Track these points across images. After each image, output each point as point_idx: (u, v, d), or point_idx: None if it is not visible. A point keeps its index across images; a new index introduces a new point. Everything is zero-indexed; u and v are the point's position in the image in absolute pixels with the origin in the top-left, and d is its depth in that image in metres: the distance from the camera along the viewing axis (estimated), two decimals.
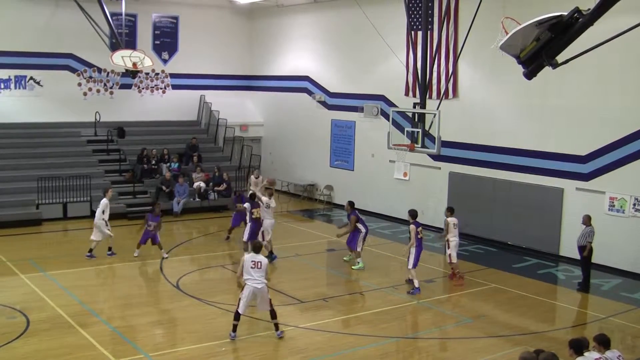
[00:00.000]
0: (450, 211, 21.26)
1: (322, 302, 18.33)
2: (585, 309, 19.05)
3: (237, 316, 15.40)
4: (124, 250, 22.91)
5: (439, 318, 17.76)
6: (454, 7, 25.99)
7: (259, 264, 15.30)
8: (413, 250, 19.65)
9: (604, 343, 11.22)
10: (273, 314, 15.66)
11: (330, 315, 17.53)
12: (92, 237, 22.22)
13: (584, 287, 20.23)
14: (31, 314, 16.54)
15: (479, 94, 26.09)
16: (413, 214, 19.99)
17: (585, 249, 20.00)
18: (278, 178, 35.38)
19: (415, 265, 19.65)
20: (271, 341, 15.51)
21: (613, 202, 21.97)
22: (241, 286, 15.58)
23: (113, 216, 27.32)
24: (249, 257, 15.43)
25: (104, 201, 22.47)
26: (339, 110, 32.58)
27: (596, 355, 10.91)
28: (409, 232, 19.87)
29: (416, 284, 19.56)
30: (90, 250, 22.17)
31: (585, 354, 10.84)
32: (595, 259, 20.61)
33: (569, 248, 22.63)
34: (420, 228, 19.80)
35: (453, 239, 20.80)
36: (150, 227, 22.38)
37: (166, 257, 22.38)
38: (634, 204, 21.46)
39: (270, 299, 15.62)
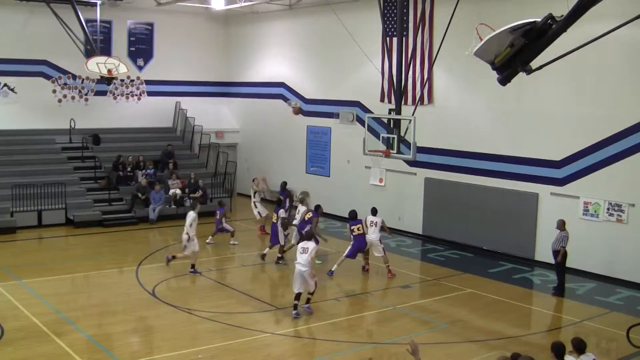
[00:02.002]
0: (372, 212, 22.35)
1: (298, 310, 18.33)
2: (560, 313, 19.16)
3: (295, 296, 17.71)
4: (99, 258, 22.80)
5: (415, 323, 17.80)
6: (429, 13, 26.09)
7: (306, 249, 17.61)
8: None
9: (577, 348, 11.29)
10: (311, 292, 17.95)
11: (306, 321, 17.51)
12: (186, 253, 21.70)
13: (559, 291, 20.35)
14: (6, 323, 16.40)
15: (454, 100, 26.22)
16: (353, 215, 21.87)
17: (560, 254, 20.13)
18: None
19: (348, 256, 21.58)
20: (247, 348, 15.49)
21: (587, 207, 22.14)
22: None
23: (88, 224, 27.35)
24: (300, 244, 18.05)
25: (192, 214, 21.89)
26: (314, 116, 32.62)
27: (572, 359, 10.99)
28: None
29: (334, 267, 21.52)
30: (193, 266, 21.64)
31: (565, 357, 10.91)
32: (570, 263, 20.74)
33: (544, 253, 22.76)
34: (357, 226, 21.57)
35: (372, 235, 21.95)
36: (218, 216, 25.23)
37: (211, 243, 25.51)
38: (608, 209, 21.64)
39: (316, 282, 17.98)
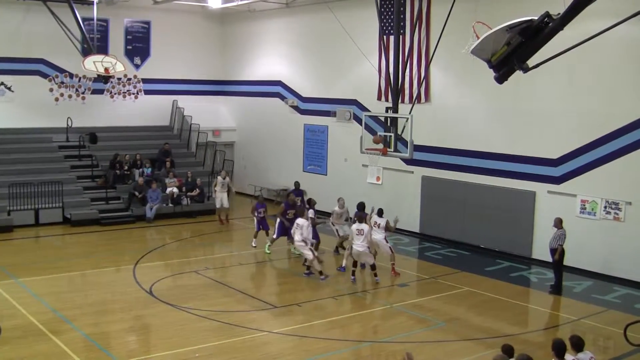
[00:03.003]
0: (378, 213, 22.18)
1: (295, 307, 18.31)
2: (557, 311, 19.16)
3: (353, 264, 20.88)
4: (96, 256, 22.79)
5: (412, 321, 17.80)
6: (426, 11, 26.11)
7: (362, 231, 20.36)
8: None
9: (575, 346, 11.30)
10: (373, 267, 20.86)
11: (303, 320, 17.51)
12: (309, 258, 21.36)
13: (556, 289, 20.37)
14: (3, 321, 16.30)
15: (451, 98, 26.22)
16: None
17: (557, 252, 20.14)
18: (251, 183, 35.38)
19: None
20: (245, 346, 15.49)
21: (584, 205, 22.15)
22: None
23: (85, 222, 27.33)
24: (355, 226, 20.67)
25: (304, 222, 21.55)
26: (311, 114, 32.63)
27: (570, 357, 10.99)
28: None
29: (343, 263, 22.07)
30: (321, 273, 21.13)
31: (566, 356, 10.92)
32: (567, 261, 20.76)
33: (541, 251, 22.77)
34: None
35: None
36: (261, 214, 24.86)
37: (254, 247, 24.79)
38: (605, 207, 21.65)
39: (375, 255, 21.22)
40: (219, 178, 29.66)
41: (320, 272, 20.85)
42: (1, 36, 31.28)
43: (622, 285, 20.99)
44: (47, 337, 15.59)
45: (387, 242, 21.72)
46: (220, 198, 29.41)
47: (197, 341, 15.59)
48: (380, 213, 21.92)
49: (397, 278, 21.33)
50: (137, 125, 35.17)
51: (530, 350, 12.01)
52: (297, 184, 27.47)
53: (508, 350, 11.40)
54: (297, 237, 21.31)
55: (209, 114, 36.74)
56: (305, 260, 21.31)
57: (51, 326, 16.25)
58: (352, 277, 20.61)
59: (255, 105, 36.19)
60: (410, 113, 21.30)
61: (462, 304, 19.20)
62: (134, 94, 35.40)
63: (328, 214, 24.54)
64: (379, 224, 21.59)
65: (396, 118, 21.82)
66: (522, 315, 18.76)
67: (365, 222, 20.87)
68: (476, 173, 25.33)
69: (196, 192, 30.85)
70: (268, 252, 23.97)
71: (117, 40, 34.48)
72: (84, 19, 29.64)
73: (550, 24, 12.38)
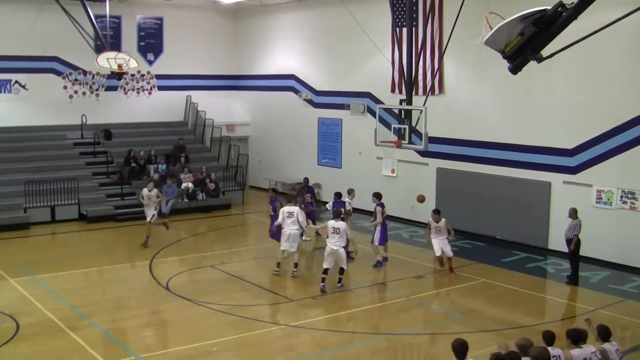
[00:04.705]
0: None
1: (311, 300, 18.34)
2: (574, 302, 19.13)
3: (324, 271, 19.08)
4: (113, 252, 22.91)
5: (429, 314, 17.82)
6: (439, 3, 26.00)
7: (338, 229, 18.84)
8: (379, 228, 21.75)
9: (602, 336, 11.30)
10: (341, 271, 19.26)
11: (320, 313, 17.57)
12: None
13: (573, 280, 20.31)
14: (20, 318, 16.48)
15: (464, 90, 26.15)
16: (378, 195, 22.12)
17: (572, 242, 20.07)
18: (265, 177, 35.39)
19: (382, 242, 21.80)
20: (262, 340, 15.53)
21: (600, 195, 22.06)
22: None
23: (101, 219, 27.45)
24: (330, 223, 19.09)
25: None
26: (325, 108, 32.61)
27: (592, 349, 10.95)
28: (375, 212, 21.81)
29: (379, 257, 21.76)
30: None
31: (583, 346, 10.89)
32: (583, 251, 20.68)
33: (557, 241, 22.68)
34: (385, 209, 21.82)
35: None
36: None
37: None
38: (621, 197, 21.56)
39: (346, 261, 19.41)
40: (145, 191, 24.92)
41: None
42: (15, 35, 31.36)
43: (639, 275, 20.91)
44: (65, 333, 15.68)
45: (448, 243, 21.04)
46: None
47: (214, 335, 15.64)
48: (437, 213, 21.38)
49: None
50: (151, 121, 35.22)
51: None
52: (306, 180, 26.77)
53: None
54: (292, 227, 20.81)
55: (222, 109, 36.74)
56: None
57: (69, 322, 16.33)
58: (322, 284, 19.02)
59: (269, 99, 36.21)
60: (424, 105, 21.30)
61: (479, 295, 19.17)
62: (147, 90, 35.47)
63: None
64: (439, 228, 20.94)
65: (410, 110, 21.80)
66: (538, 307, 18.73)
67: (342, 219, 19.50)
68: (491, 164, 25.27)
69: (211, 187, 30.86)
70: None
71: (129, 36, 34.54)
72: (96, 16, 29.66)
73: (564, 14, 12.35)
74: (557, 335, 11.25)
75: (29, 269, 21.09)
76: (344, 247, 19.24)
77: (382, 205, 21.78)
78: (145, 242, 23.99)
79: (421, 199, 23.11)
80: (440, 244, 20.68)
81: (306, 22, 33.51)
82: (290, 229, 20.43)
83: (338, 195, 22.71)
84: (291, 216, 20.63)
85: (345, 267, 19.23)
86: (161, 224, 25.03)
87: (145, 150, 32.01)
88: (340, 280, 19.35)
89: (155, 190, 24.69)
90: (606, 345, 11.16)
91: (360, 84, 30.39)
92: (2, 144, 30.39)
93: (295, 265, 20.64)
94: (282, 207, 21.37)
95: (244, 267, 22.12)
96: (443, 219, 20.77)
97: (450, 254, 20.78)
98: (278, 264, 20.96)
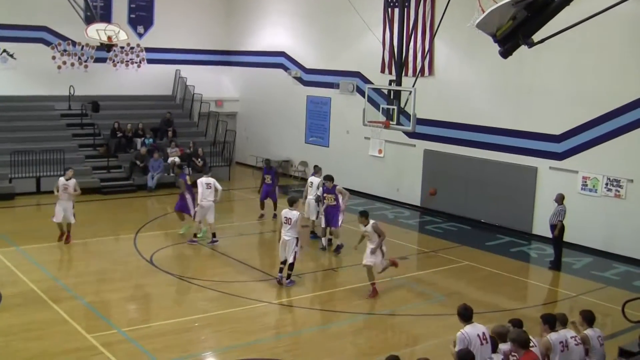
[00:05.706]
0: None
1: (295, 278, 18.32)
2: (556, 287, 19.23)
3: (282, 262, 17.70)
4: (97, 225, 22.85)
5: (411, 295, 17.87)
6: None
7: (289, 220, 17.40)
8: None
9: (588, 320, 11.39)
10: (291, 266, 17.60)
11: (303, 291, 17.59)
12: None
13: (556, 265, 20.42)
14: (3, 288, 16.43)
15: (454, 72, 26.13)
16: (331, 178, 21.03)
17: (557, 228, 20.14)
18: (252, 154, 35.35)
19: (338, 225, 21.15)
20: (244, 317, 15.55)
21: (586, 182, 22.15)
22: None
23: (86, 191, 27.28)
24: (284, 212, 17.68)
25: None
26: (314, 86, 32.52)
27: (571, 333, 11.02)
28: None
29: (338, 241, 21.16)
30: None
31: (560, 331, 10.96)
32: (567, 237, 20.78)
33: (541, 227, 22.78)
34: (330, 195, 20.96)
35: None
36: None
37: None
38: (606, 184, 21.65)
39: (296, 253, 17.53)
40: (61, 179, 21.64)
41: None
42: (4, 3, 31.08)
43: (622, 263, 21.05)
44: (48, 305, 15.65)
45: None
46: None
47: (196, 311, 15.68)
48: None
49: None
50: (139, 94, 35.07)
51: (529, 325, 12.00)
52: (267, 161, 26.02)
53: (517, 323, 11.43)
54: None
55: (211, 84, 36.63)
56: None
57: (52, 294, 16.31)
58: (279, 275, 17.85)
59: (259, 76, 36.08)
60: (413, 86, 21.27)
61: (462, 278, 19.27)
62: (136, 62, 35.24)
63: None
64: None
65: (399, 91, 21.76)
66: (521, 291, 18.83)
67: (296, 208, 17.89)
68: (478, 148, 25.30)
69: (199, 162, 30.74)
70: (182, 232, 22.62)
71: (120, 8, 34.25)
72: None
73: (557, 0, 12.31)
74: (538, 321, 11.34)
75: (12, 239, 21.04)
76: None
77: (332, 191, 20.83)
78: (61, 237, 21.20)
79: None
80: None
81: None
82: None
83: (329, 178, 21.12)
84: (209, 187, 21.10)
85: (291, 261, 17.56)
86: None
87: (132, 124, 31.87)
88: (288, 276, 17.78)
89: (73, 181, 21.13)
90: (588, 332, 11.24)
91: (350, 64, 30.31)
92: None
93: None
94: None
95: (229, 243, 22.08)
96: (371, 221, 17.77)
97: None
98: (195, 235, 21.54)
